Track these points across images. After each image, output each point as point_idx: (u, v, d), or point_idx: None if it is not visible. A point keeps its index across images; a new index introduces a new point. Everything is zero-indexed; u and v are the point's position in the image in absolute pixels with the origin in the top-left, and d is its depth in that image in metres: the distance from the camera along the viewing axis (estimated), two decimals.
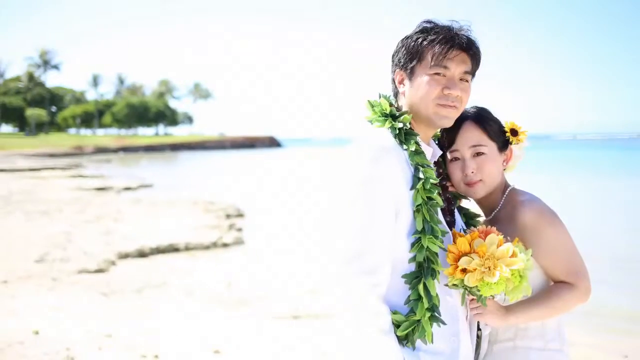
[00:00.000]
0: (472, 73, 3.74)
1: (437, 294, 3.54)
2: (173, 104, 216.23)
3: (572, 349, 4.12)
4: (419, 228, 3.52)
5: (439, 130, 4.00)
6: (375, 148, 3.52)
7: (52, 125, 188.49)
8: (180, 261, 17.66)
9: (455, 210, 4.02)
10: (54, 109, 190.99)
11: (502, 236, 3.64)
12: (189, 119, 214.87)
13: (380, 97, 3.81)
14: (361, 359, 3.43)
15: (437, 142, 4.05)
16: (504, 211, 4.02)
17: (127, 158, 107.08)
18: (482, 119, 4.02)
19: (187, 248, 19.42)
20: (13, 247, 18.33)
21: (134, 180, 49.46)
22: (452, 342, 3.67)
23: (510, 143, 4.13)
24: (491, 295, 3.63)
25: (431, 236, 3.51)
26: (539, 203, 3.94)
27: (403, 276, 3.55)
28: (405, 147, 3.62)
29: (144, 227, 22.83)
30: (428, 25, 3.74)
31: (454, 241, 3.67)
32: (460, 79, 3.67)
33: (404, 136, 3.64)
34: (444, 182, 4.02)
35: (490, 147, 4.00)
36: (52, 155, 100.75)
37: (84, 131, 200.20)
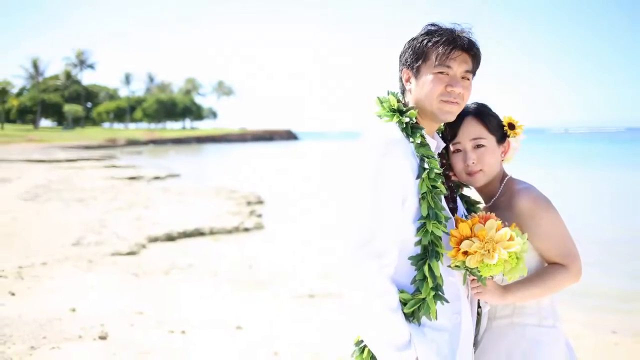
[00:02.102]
0: (473, 72, 3.76)
1: (440, 275, 3.56)
2: (198, 100, 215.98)
3: (564, 326, 4.11)
4: (424, 214, 3.54)
5: (442, 124, 4.02)
6: (384, 141, 3.54)
7: (87, 120, 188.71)
8: (205, 245, 17.70)
9: (458, 198, 4.04)
10: (89, 105, 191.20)
11: (501, 221, 3.66)
12: (213, 114, 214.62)
13: (388, 94, 3.84)
14: (371, 335, 3.46)
15: (440, 135, 4.06)
16: (502, 199, 4.03)
17: (156, 150, 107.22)
18: (482, 114, 4.04)
19: (212, 232, 19.46)
20: (52, 232, 18.39)
21: (163, 170, 49.48)
22: (454, 318, 3.68)
23: (508, 136, 4.15)
24: (490, 276, 3.64)
25: (435, 221, 3.53)
26: (534, 191, 3.96)
27: (409, 258, 3.56)
28: (411, 140, 3.63)
29: (171, 213, 22.87)
30: (432, 28, 3.76)
31: (456, 226, 3.69)
32: (462, 77, 3.70)
33: (410, 130, 3.66)
34: (447, 172, 4.04)
35: (489, 139, 4.02)
36: (87, 148, 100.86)
37: (117, 125, 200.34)
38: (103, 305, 10.59)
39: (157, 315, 10.07)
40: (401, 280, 3.59)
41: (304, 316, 10.64)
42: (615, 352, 9.63)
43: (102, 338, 8.83)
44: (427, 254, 3.56)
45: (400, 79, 3.87)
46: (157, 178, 42.88)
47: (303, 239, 19.18)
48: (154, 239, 17.91)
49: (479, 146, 4.00)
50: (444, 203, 3.70)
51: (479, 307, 3.99)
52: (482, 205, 4.18)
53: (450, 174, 4.08)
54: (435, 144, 3.83)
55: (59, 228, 19.01)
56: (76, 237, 17.35)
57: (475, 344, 4.03)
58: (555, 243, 3.89)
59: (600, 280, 13.43)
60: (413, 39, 3.80)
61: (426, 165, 3.59)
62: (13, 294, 11.10)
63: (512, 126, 4.16)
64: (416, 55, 3.74)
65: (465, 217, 3.92)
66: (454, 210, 3.91)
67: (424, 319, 3.59)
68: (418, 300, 3.54)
